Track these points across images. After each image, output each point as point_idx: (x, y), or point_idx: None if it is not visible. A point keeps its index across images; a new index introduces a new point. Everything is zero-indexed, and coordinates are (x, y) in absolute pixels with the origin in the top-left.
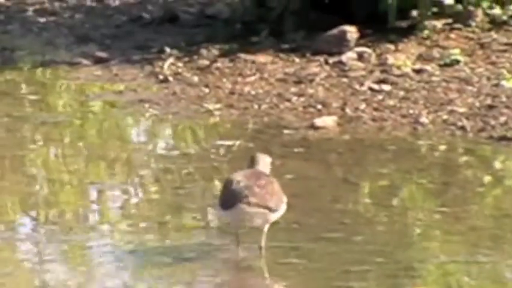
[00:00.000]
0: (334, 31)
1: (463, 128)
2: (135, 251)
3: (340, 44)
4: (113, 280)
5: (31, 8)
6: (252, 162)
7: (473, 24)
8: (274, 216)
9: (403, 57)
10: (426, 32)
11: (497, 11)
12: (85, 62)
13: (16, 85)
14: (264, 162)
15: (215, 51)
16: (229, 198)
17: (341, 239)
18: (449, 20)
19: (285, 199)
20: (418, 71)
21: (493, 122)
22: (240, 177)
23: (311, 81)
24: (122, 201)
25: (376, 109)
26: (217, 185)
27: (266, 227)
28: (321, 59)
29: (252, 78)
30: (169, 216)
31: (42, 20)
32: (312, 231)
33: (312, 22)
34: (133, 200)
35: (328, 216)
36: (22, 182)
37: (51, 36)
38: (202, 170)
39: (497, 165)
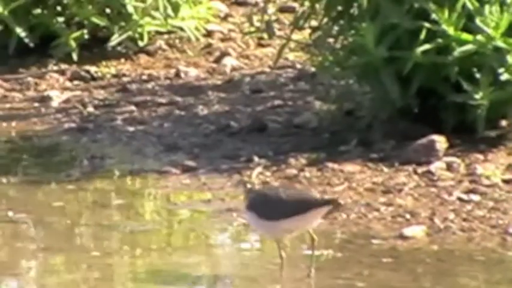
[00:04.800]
0: (423, 140)
1: None
2: None
3: (429, 154)
4: None
5: (120, 117)
6: None
7: None
8: None
9: (492, 167)
10: None
11: None
12: (173, 170)
13: (105, 194)
14: None
15: (303, 160)
16: None
17: None
18: None
19: None
20: (507, 181)
21: None
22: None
23: (400, 190)
24: None
25: (465, 219)
26: None
27: None
28: (410, 168)
29: (340, 187)
30: None
31: (131, 128)
32: None
33: (401, 131)
34: None
35: None
36: None
37: (140, 145)
38: (290, 280)
39: None
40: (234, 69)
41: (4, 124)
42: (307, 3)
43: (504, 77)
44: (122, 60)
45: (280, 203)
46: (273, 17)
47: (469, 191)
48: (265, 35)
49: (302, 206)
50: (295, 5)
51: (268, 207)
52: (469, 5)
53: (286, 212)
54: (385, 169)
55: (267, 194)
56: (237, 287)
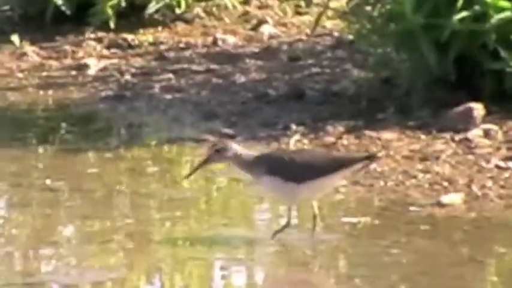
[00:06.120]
0: (461, 108)
1: None
2: None
3: (467, 121)
4: None
5: (157, 85)
6: None
7: None
8: None
9: None
10: None
11: None
12: (211, 138)
13: (143, 162)
14: None
15: (341, 128)
16: None
17: None
18: None
19: None
20: None
21: None
22: None
23: (437, 158)
24: (243, 277)
25: (502, 187)
26: (342, 264)
27: None
28: (447, 136)
29: (378, 155)
30: None
31: (169, 96)
32: None
33: (438, 99)
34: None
35: None
36: (150, 259)
37: (177, 113)
38: (327, 247)
39: None
40: (271, 37)
41: (41, 92)
42: None
43: None
44: (159, 28)
45: (312, 164)
46: None
47: (506, 158)
48: (302, 3)
49: (345, 162)
50: None
51: (297, 170)
52: None
53: (325, 171)
54: (423, 136)
55: (291, 157)
56: (272, 253)
